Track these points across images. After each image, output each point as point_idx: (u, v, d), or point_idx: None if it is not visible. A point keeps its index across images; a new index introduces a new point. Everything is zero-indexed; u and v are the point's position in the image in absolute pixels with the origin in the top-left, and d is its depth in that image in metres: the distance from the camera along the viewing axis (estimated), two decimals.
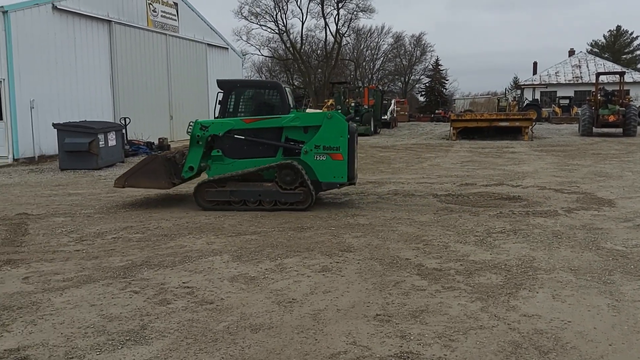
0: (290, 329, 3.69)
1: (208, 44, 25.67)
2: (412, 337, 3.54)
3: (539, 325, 3.71)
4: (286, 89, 9.39)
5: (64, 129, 13.18)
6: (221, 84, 8.69)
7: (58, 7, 16.16)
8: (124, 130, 15.40)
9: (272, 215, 7.33)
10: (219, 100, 8.45)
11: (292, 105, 9.29)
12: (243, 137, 7.78)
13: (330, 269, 4.97)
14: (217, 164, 7.85)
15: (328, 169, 7.53)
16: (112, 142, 13.83)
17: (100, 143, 13.19)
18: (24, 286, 4.60)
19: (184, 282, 4.64)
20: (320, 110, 26.82)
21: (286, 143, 7.74)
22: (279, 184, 7.56)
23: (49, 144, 15.07)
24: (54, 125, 13.46)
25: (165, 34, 22.19)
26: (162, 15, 21.92)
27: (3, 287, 4.61)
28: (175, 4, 23.00)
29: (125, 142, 15.75)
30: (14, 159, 14.65)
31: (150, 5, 21.11)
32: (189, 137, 8.11)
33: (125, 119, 16.96)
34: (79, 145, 12.81)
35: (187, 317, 3.90)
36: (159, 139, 18.00)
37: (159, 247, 5.79)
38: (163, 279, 4.75)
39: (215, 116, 8.98)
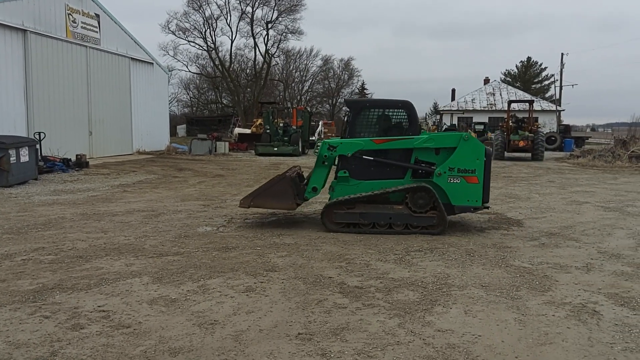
0: (211, 351, 3.65)
1: (132, 58, 24.86)
2: (332, 355, 3.61)
3: (451, 340, 3.91)
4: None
5: None
6: (350, 103, 8.25)
7: None
8: (38, 146, 14.53)
9: (196, 236, 7.20)
10: (347, 121, 7.93)
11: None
12: (372, 158, 7.58)
13: (254, 289, 4.96)
14: (342, 185, 7.61)
15: (462, 192, 7.38)
16: (24, 157, 12.96)
17: (11, 159, 12.35)
18: None
19: (99, 306, 4.45)
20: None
21: (417, 165, 7.59)
22: (410, 207, 7.39)
23: None
24: None
25: (86, 46, 21.29)
26: (82, 27, 21.01)
27: None
28: (97, 16, 22.14)
29: (40, 158, 14.89)
30: None
31: (70, 16, 20.19)
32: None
33: (39, 133, 16.09)
34: None
35: (101, 342, 3.74)
36: (77, 155, 17.17)
37: (73, 270, 5.51)
38: (76, 302, 4.52)
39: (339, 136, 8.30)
